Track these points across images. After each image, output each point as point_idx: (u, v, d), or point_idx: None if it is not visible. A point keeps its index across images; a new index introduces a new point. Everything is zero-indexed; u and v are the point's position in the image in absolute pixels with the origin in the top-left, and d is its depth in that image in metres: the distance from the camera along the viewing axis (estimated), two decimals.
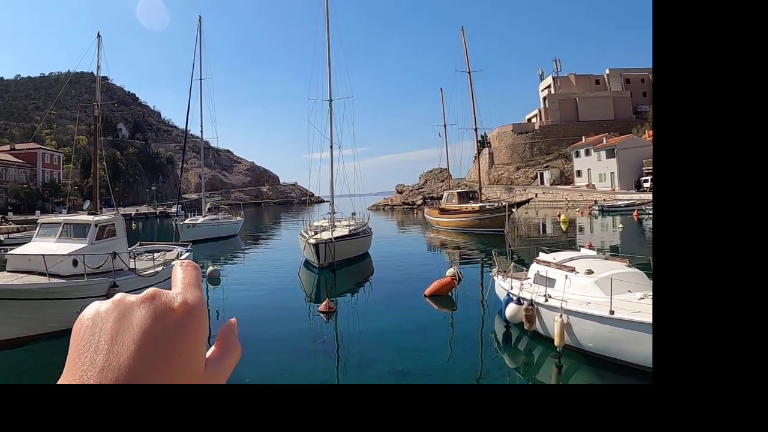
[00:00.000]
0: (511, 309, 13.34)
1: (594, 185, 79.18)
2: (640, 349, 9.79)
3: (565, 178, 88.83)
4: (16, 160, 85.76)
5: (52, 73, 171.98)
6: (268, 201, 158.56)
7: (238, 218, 51.01)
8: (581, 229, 46.78)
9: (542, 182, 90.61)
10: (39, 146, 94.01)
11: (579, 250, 15.66)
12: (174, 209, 66.27)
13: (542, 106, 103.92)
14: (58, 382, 0.55)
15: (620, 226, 42.95)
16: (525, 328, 12.91)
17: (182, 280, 0.69)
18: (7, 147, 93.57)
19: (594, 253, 15.12)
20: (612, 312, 10.45)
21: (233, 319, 0.77)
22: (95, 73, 22.30)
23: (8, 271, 14.36)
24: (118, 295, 0.64)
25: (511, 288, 14.06)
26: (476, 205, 46.57)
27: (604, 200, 64.16)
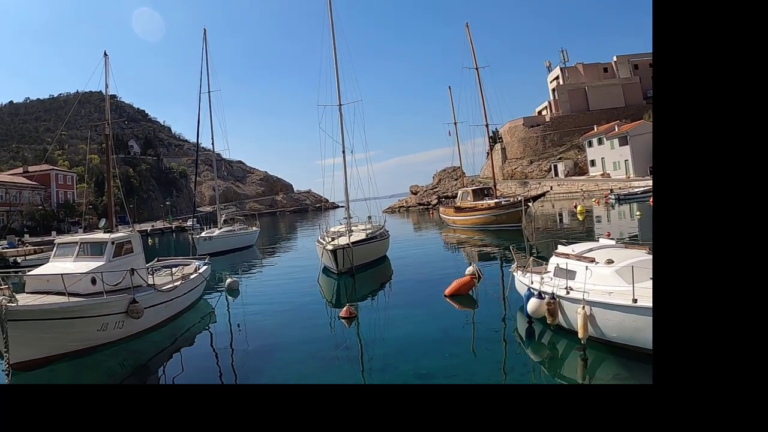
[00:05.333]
0: (532, 304, 13.22)
1: (609, 174, 78.65)
2: None
3: (579, 169, 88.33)
4: (30, 182, 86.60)
5: (60, 94, 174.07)
6: (283, 209, 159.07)
7: (254, 228, 51.08)
8: (599, 219, 46.48)
9: (556, 174, 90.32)
10: (52, 167, 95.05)
11: (598, 241, 15.49)
12: (189, 223, 66.70)
13: (552, 97, 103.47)
14: None
15: (638, 213, 42.57)
16: (548, 322, 12.77)
17: None
18: (20, 170, 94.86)
19: (613, 242, 14.95)
20: (635, 300, 10.28)
21: None
22: (104, 92, 22.35)
23: (27, 293, 14.40)
24: None
25: (532, 283, 13.92)
26: (492, 202, 46.25)
27: (620, 188, 63.81)
